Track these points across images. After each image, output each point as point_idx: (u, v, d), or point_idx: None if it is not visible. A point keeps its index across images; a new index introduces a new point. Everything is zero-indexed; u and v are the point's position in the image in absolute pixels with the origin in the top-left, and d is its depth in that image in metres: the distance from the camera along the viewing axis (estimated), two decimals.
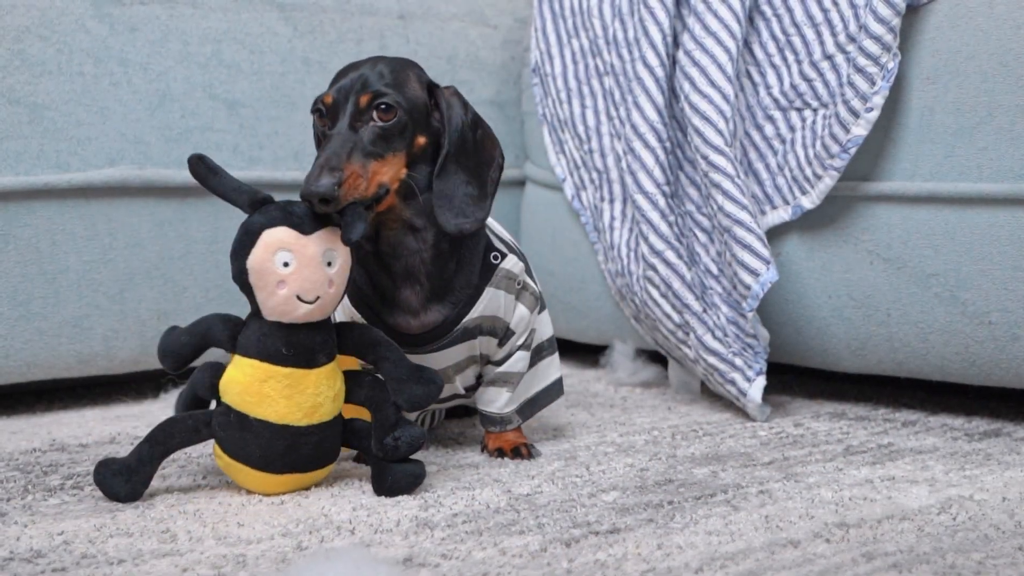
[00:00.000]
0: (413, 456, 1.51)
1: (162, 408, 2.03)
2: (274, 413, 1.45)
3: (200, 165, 1.49)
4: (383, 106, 1.51)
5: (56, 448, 1.76)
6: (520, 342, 1.68)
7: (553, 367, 1.76)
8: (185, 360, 1.50)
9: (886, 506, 1.44)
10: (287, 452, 1.46)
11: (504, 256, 1.65)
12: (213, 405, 1.53)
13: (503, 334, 1.66)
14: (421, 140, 1.55)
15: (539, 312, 1.73)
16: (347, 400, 1.53)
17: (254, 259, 1.46)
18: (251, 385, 1.46)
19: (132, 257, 2.04)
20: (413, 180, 1.55)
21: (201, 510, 1.42)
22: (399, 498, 1.47)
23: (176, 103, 2.09)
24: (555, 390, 1.77)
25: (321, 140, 1.58)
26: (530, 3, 2.52)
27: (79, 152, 2.00)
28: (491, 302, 1.63)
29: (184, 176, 2.06)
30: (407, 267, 1.59)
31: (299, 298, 1.45)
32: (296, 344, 1.47)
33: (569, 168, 2.31)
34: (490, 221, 1.80)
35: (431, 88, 1.59)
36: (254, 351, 1.47)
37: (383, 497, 1.48)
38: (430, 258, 1.59)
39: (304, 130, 2.19)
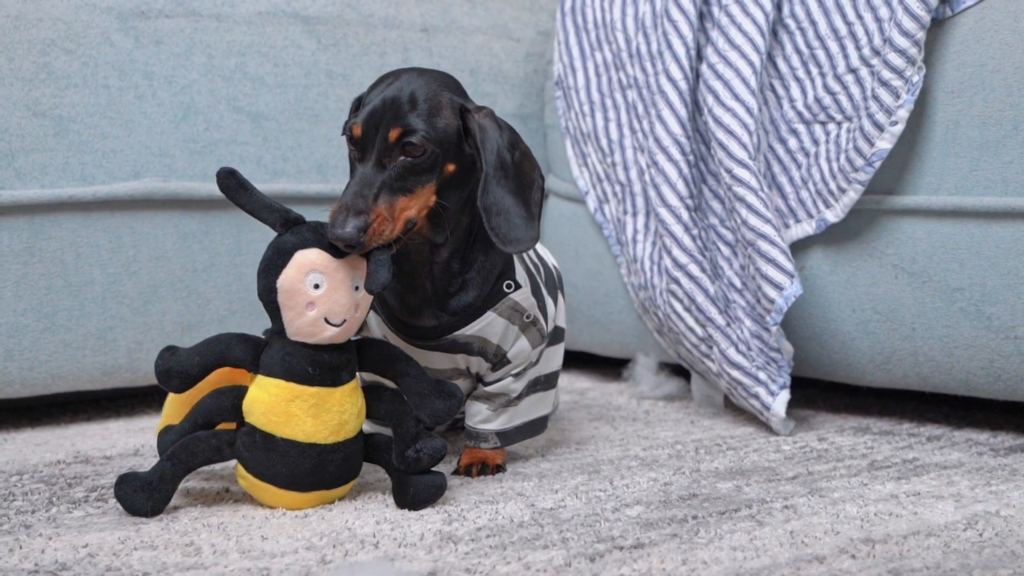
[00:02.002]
0: (434, 468, 1.52)
1: None
2: (301, 432, 1.45)
3: (230, 180, 1.48)
4: (411, 143, 1.49)
5: (80, 460, 1.76)
6: (515, 371, 1.67)
7: (544, 403, 1.74)
8: (194, 380, 1.48)
9: (912, 522, 1.44)
10: (314, 470, 1.46)
11: (517, 287, 1.63)
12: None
13: (497, 360, 1.65)
14: (450, 167, 1.53)
15: (552, 345, 1.73)
16: (368, 415, 1.53)
17: (285, 279, 1.46)
18: (277, 405, 1.46)
19: (156, 269, 2.05)
20: (442, 207, 1.53)
21: (225, 523, 1.42)
22: (423, 512, 1.47)
23: (200, 116, 2.10)
24: (539, 425, 1.75)
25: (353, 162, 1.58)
26: (553, 16, 2.52)
27: (104, 165, 2.01)
28: (488, 326, 1.62)
29: (208, 189, 2.07)
30: (413, 273, 1.59)
31: (327, 320, 1.46)
32: (321, 364, 1.47)
33: (592, 181, 2.31)
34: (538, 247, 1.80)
35: (463, 112, 1.55)
36: (279, 371, 1.47)
37: (406, 510, 1.48)
38: (439, 272, 1.59)
39: (328, 143, 2.20)
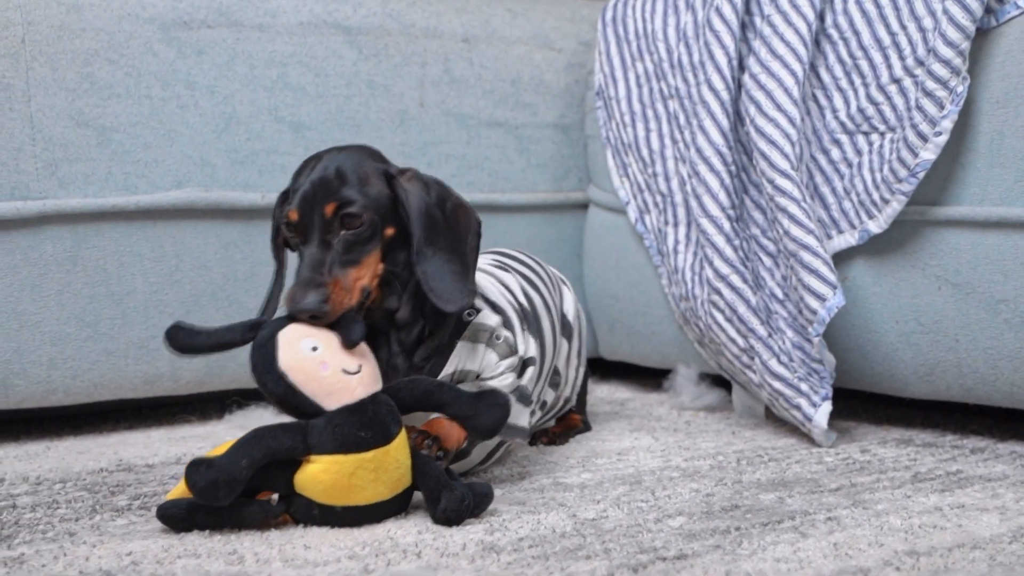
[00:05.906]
0: (479, 480, 1.51)
1: (227, 429, 2.04)
2: (363, 498, 1.44)
3: (178, 333, 1.48)
4: (349, 215, 1.51)
5: (123, 468, 1.77)
6: (494, 376, 1.66)
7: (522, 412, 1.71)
8: (242, 485, 1.40)
9: (956, 534, 1.43)
10: (371, 520, 1.46)
11: (478, 311, 1.65)
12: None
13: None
14: (390, 231, 1.56)
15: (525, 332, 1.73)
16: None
17: (285, 359, 1.45)
18: (339, 480, 1.43)
19: (198, 279, 2.06)
20: (390, 272, 1.56)
21: (268, 531, 1.42)
22: (465, 522, 1.47)
23: (242, 126, 2.11)
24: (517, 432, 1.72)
25: (281, 244, 1.62)
26: (594, 27, 2.52)
27: (146, 174, 2.02)
28: (465, 356, 1.64)
29: (250, 199, 2.08)
30: (378, 336, 1.60)
31: (344, 371, 1.45)
32: (371, 424, 1.45)
33: (633, 191, 2.31)
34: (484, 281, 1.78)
35: (388, 178, 1.57)
36: (333, 446, 1.43)
37: None
38: (404, 336, 1.61)
39: None
